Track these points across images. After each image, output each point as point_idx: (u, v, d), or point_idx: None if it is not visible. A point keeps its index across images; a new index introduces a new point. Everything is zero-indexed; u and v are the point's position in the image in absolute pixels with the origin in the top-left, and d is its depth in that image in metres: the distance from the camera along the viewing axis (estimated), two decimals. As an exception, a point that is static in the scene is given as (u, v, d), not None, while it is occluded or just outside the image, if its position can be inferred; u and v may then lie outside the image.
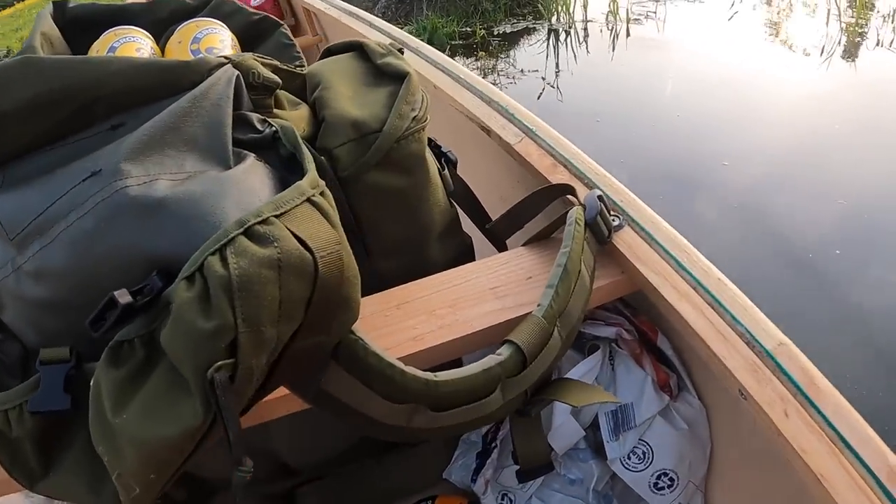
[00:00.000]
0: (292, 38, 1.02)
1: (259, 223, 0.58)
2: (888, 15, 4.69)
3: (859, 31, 4.53)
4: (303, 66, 0.97)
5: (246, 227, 0.57)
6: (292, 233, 0.59)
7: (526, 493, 1.03)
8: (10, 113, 0.69)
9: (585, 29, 4.85)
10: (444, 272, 0.94)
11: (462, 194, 1.11)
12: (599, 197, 0.91)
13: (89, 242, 0.63)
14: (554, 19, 4.97)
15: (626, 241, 0.93)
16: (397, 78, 0.98)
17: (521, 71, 4.21)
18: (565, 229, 0.87)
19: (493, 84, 3.95)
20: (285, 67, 0.92)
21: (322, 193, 0.66)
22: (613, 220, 0.94)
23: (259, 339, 0.57)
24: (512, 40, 4.79)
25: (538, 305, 0.79)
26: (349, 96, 0.95)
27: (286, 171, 0.73)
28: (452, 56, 4.47)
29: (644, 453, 0.95)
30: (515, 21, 5.04)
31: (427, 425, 0.74)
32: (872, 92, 3.78)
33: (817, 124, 3.44)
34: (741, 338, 0.79)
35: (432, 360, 0.82)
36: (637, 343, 0.98)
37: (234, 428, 0.57)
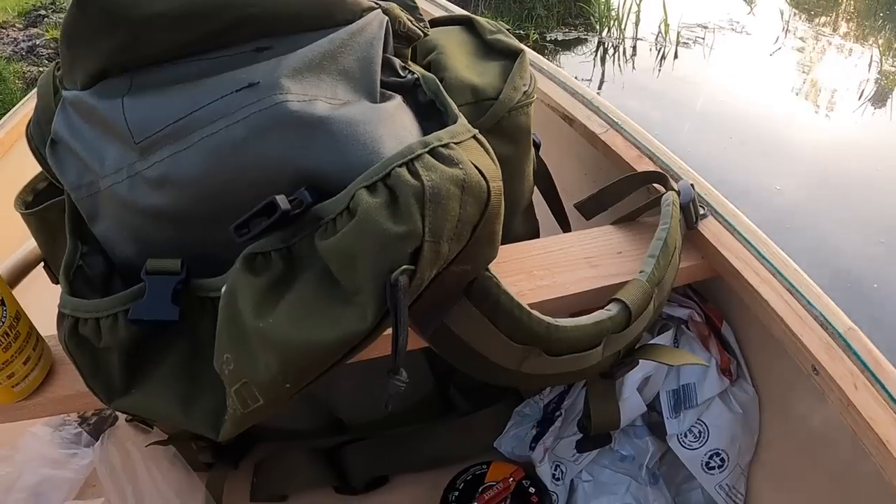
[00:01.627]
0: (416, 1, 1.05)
1: (442, 146, 0.62)
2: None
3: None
4: (427, 27, 1.01)
5: (431, 147, 0.61)
6: (472, 162, 0.63)
7: (578, 465, 1.07)
8: (158, 18, 0.66)
9: (634, 46, 4.88)
10: (539, 239, 1.00)
11: (542, 176, 1.15)
12: (692, 185, 0.97)
13: (235, 151, 0.64)
14: (605, 33, 5.02)
15: (710, 229, 0.98)
16: (508, 54, 1.01)
17: (574, 77, 4.24)
18: (662, 209, 0.92)
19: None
20: (417, 25, 0.93)
21: (479, 134, 0.69)
22: (700, 210, 1.00)
23: (437, 252, 0.60)
24: (563, 47, 4.83)
25: (641, 272, 0.84)
26: (466, 63, 0.99)
27: (423, 117, 0.75)
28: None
29: (700, 432, 1.00)
30: (567, 30, 5.07)
31: (535, 370, 0.77)
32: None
33: (851, 165, 3.48)
34: (815, 320, 0.85)
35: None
36: (706, 326, 1.03)
37: (405, 334, 0.59)
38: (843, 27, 5.89)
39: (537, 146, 1.11)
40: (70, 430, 1.19)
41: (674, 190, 0.96)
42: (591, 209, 1.09)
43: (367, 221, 0.57)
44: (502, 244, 0.94)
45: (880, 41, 5.38)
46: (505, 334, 0.73)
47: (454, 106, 0.74)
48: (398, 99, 0.74)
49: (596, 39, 4.97)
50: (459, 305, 0.71)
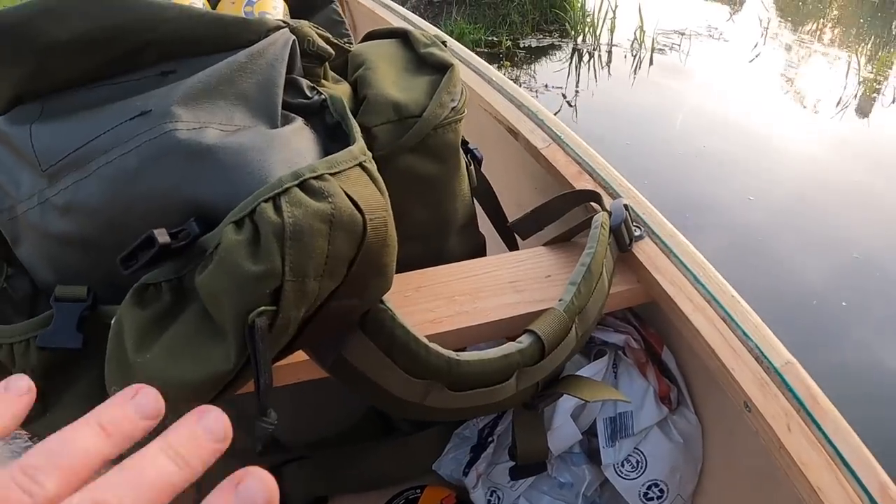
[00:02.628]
0: (342, 15, 1.03)
1: (314, 178, 0.59)
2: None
3: (876, 86, 4.57)
4: (351, 42, 0.98)
5: (301, 179, 0.59)
6: (345, 192, 0.61)
7: (514, 491, 1.04)
8: (64, 43, 0.68)
9: (609, 53, 4.86)
10: (466, 262, 0.96)
11: (483, 192, 1.13)
12: (625, 206, 0.93)
13: (129, 180, 0.63)
14: (580, 39, 4.99)
15: (645, 251, 0.95)
16: (439, 68, 0.99)
17: (545, 85, 4.23)
18: (591, 232, 0.89)
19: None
20: (335, 41, 0.93)
21: (370, 161, 0.68)
22: (635, 231, 0.96)
23: (302, 291, 0.58)
24: (537, 54, 4.80)
25: (560, 300, 0.81)
26: (392, 79, 0.96)
27: (329, 139, 0.74)
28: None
29: (638, 462, 0.97)
30: (542, 36, 5.05)
31: (440, 405, 0.75)
32: (883, 147, 3.83)
33: (829, 172, 3.47)
34: (750, 353, 0.81)
35: (446, 344, 0.83)
36: (643, 353, 1.00)
37: (266, 377, 0.58)
38: (826, 35, 5.93)
39: (479, 161, 1.10)
40: (20, 443, 1.17)
41: (605, 210, 0.92)
42: (527, 229, 1.06)
43: (226, 261, 0.57)
44: (433, 266, 0.91)
45: (862, 49, 5.40)
46: (402, 368, 0.71)
47: (357, 129, 0.72)
48: (299, 122, 0.73)
49: (571, 46, 4.95)
50: (356, 338, 0.70)
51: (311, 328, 0.64)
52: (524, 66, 4.57)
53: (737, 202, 3.14)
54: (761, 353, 0.80)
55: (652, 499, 0.97)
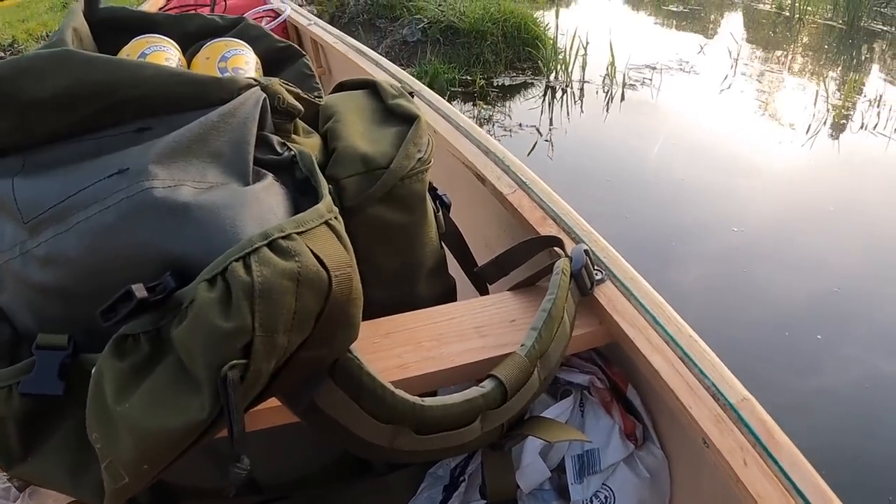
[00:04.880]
0: (313, 69, 1.05)
1: (282, 238, 0.62)
2: (874, 100, 4.80)
3: (846, 112, 4.64)
4: (320, 97, 1.00)
5: (270, 239, 0.61)
6: (312, 251, 0.63)
7: None
8: (43, 101, 0.71)
9: (582, 89, 4.92)
10: (433, 308, 0.98)
11: (452, 237, 1.16)
12: (586, 251, 0.96)
13: (107, 236, 0.66)
14: (552, 77, 5.05)
15: (606, 294, 0.98)
16: (406, 119, 1.02)
17: (519, 124, 4.27)
18: (552, 278, 0.91)
19: (489, 133, 4.03)
20: (305, 96, 0.95)
21: (337, 218, 0.70)
22: (596, 274, 0.99)
23: (272, 345, 0.60)
24: (510, 93, 4.86)
25: (522, 346, 0.83)
26: (360, 131, 0.99)
27: (299, 193, 0.77)
28: (451, 102, 4.54)
29: (606, 497, 0.98)
30: (515, 74, 5.11)
31: (407, 447, 0.77)
32: (853, 172, 3.88)
33: (805, 197, 3.52)
34: (707, 391, 0.84)
35: (414, 388, 0.86)
36: (608, 392, 1.02)
37: (239, 425, 0.60)
38: (795, 63, 6.02)
39: (447, 206, 1.12)
40: (-1, 484, 1.19)
41: (567, 256, 0.95)
42: (493, 274, 1.09)
43: (199, 317, 0.58)
44: (402, 312, 0.94)
45: (831, 75, 5.49)
46: (370, 414, 0.73)
47: (324, 185, 0.75)
48: (269, 178, 0.76)
49: (544, 83, 5.01)
50: (325, 385, 0.71)
51: (282, 378, 0.65)
52: (498, 105, 4.62)
53: (717, 232, 3.17)
54: (717, 390, 0.83)
55: (622, 533, 0.99)
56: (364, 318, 0.93)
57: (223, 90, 0.78)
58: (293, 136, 0.92)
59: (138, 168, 0.67)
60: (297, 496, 1.17)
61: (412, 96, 1.10)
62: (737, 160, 3.88)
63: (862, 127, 4.45)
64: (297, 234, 0.63)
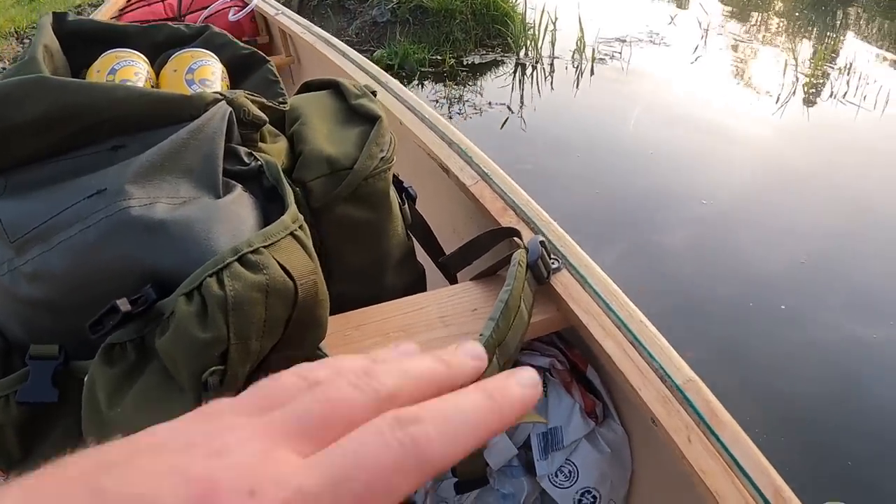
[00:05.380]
0: (277, 75, 1.08)
1: (251, 252, 0.67)
2: (844, 67, 4.85)
3: (816, 82, 4.68)
4: (285, 102, 1.03)
5: (240, 255, 0.66)
6: (278, 262, 0.68)
7: None
8: (22, 125, 0.75)
9: (552, 65, 4.92)
10: (399, 300, 1.03)
11: (419, 227, 1.20)
12: (542, 242, 1.01)
13: (89, 253, 0.70)
14: (522, 53, 5.05)
15: (562, 282, 1.03)
16: (369, 119, 1.06)
17: (489, 102, 4.27)
18: (509, 269, 0.95)
19: (460, 113, 4.05)
20: (270, 104, 0.98)
21: (301, 227, 0.75)
22: (553, 263, 1.04)
23: (246, 351, 0.66)
24: (480, 71, 4.87)
25: (480, 335, 0.87)
26: (325, 133, 1.03)
27: (267, 200, 0.82)
28: (421, 83, 4.54)
29: (570, 472, 1.04)
30: (485, 52, 5.11)
31: None
32: (823, 141, 3.93)
33: (778, 166, 3.56)
34: (656, 373, 0.90)
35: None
36: (568, 373, 1.08)
37: None
38: (767, 30, 6.04)
39: (413, 199, 1.16)
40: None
41: (524, 247, 1.00)
42: (457, 264, 1.13)
43: (180, 329, 0.64)
44: (370, 305, 0.98)
45: (803, 42, 5.53)
46: None
47: (290, 193, 0.80)
48: (238, 189, 0.80)
49: (514, 60, 5.02)
50: None
51: (257, 378, 0.70)
52: (468, 84, 4.60)
53: (690, 204, 3.20)
54: (665, 373, 0.89)
55: (586, 504, 1.04)
56: (336, 312, 0.98)
57: (192, 107, 0.83)
58: (260, 143, 0.95)
59: (115, 188, 0.72)
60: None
61: (375, 95, 1.13)
62: (708, 132, 3.89)
63: (832, 95, 4.50)
64: (265, 247, 0.69)
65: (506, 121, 4.02)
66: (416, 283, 1.16)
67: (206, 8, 2.74)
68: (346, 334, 0.96)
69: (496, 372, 0.88)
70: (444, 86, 4.53)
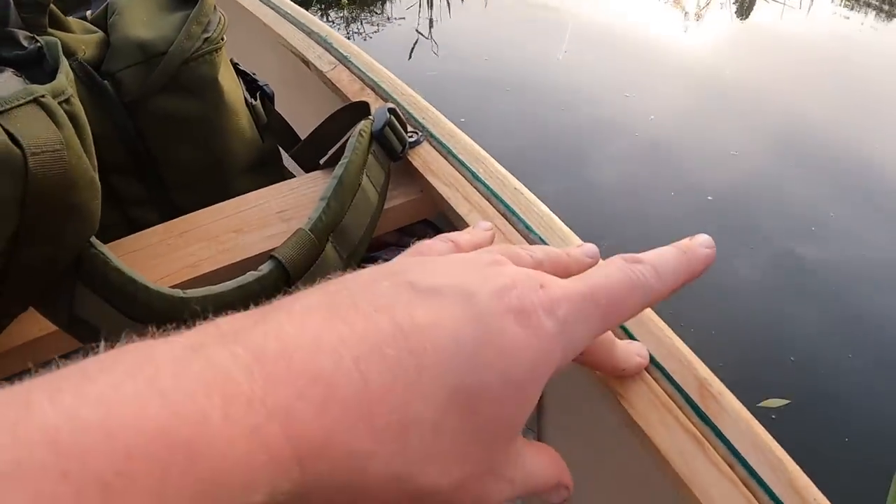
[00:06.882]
0: None
1: None
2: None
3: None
4: None
5: None
6: (4, 129, 0.56)
7: None
8: None
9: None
10: (232, 199, 0.89)
11: (279, 130, 1.07)
12: (391, 110, 0.87)
13: None
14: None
15: (422, 156, 0.89)
16: (195, 1, 0.92)
17: (391, 18, 4.14)
18: (348, 142, 0.83)
19: (360, 35, 3.90)
20: None
21: (67, 101, 0.63)
22: (410, 136, 0.90)
23: None
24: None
25: (308, 219, 0.75)
26: (143, 20, 0.90)
27: None
28: (321, 6, 4.37)
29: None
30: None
31: None
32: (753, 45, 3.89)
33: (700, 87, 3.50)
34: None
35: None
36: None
37: None
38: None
39: (270, 97, 1.06)
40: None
41: (371, 118, 0.86)
42: (308, 155, 1.00)
43: None
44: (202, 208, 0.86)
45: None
46: (126, 315, 0.65)
47: (67, 71, 0.67)
48: (7, 73, 0.67)
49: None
50: (79, 290, 0.65)
51: (14, 284, 0.60)
52: (370, 4, 4.45)
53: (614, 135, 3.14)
54: (548, 244, 0.75)
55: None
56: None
57: None
58: (56, 31, 0.81)
59: None
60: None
61: None
62: (626, 50, 3.83)
63: None
64: None
65: (416, 41, 3.89)
66: None
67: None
68: (169, 243, 0.81)
69: (338, 263, 0.76)
70: (339, 7, 4.35)
